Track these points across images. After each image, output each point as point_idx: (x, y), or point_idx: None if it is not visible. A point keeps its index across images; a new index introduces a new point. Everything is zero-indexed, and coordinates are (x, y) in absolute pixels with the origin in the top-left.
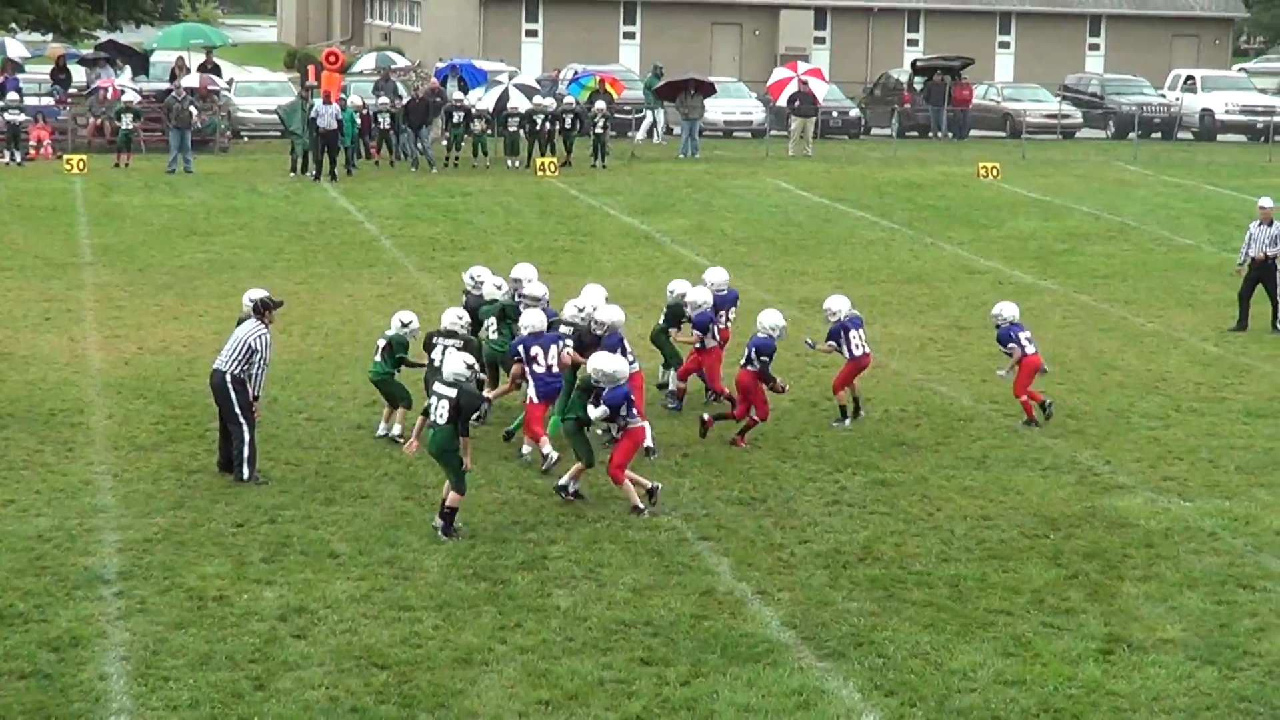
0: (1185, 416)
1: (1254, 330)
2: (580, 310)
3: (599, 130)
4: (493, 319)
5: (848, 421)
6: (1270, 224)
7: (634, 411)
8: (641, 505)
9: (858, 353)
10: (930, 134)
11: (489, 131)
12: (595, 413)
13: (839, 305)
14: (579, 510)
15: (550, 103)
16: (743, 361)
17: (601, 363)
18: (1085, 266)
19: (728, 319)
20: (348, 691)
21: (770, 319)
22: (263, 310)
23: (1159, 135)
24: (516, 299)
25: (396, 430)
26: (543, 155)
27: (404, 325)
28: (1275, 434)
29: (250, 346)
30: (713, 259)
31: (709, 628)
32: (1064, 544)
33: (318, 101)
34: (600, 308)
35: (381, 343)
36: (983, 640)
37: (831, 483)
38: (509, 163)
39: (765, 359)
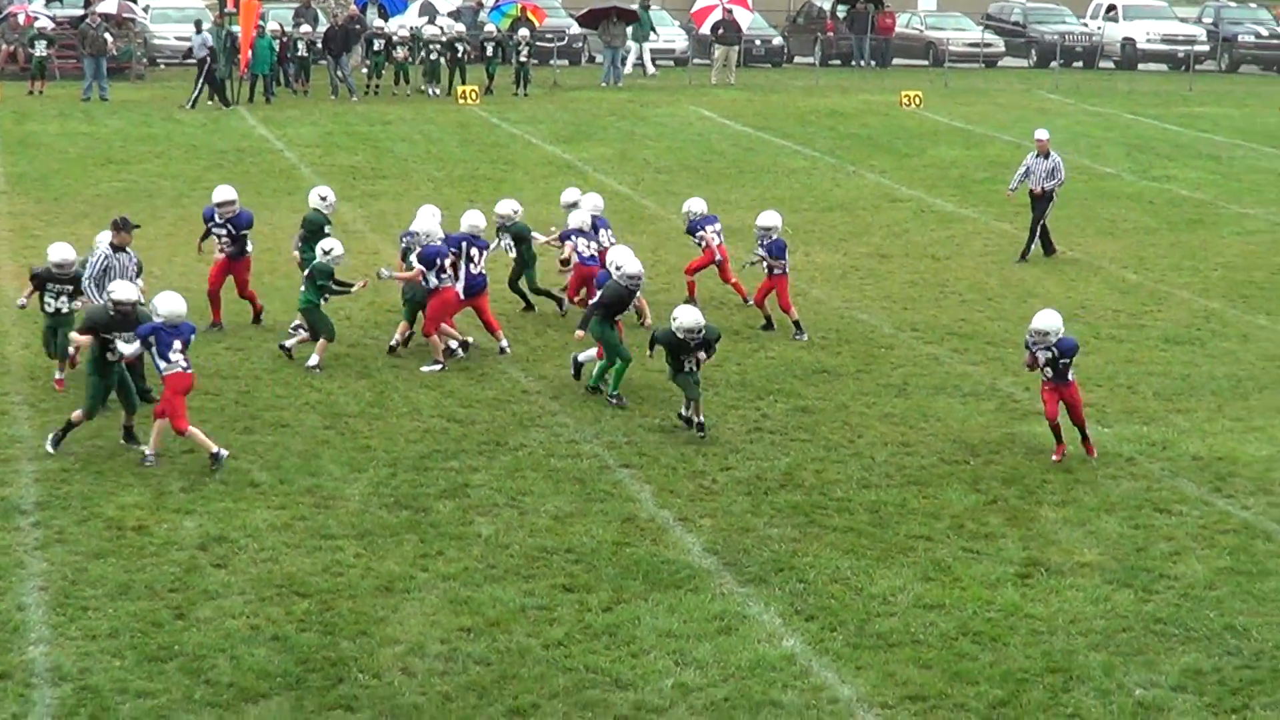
0: (1104, 343)
1: (1173, 258)
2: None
3: (522, 59)
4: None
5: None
6: (1047, 156)
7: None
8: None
9: (715, 242)
10: (853, 63)
11: (410, 59)
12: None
13: (696, 206)
14: (500, 438)
15: (460, 28)
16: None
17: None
18: (1006, 195)
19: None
20: (269, 620)
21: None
22: (113, 230)
23: (1080, 64)
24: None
25: (314, 360)
26: (464, 82)
27: (325, 253)
28: (1192, 360)
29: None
30: (635, 187)
31: (631, 554)
32: (983, 470)
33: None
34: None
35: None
36: (902, 565)
37: (753, 410)
38: (430, 91)
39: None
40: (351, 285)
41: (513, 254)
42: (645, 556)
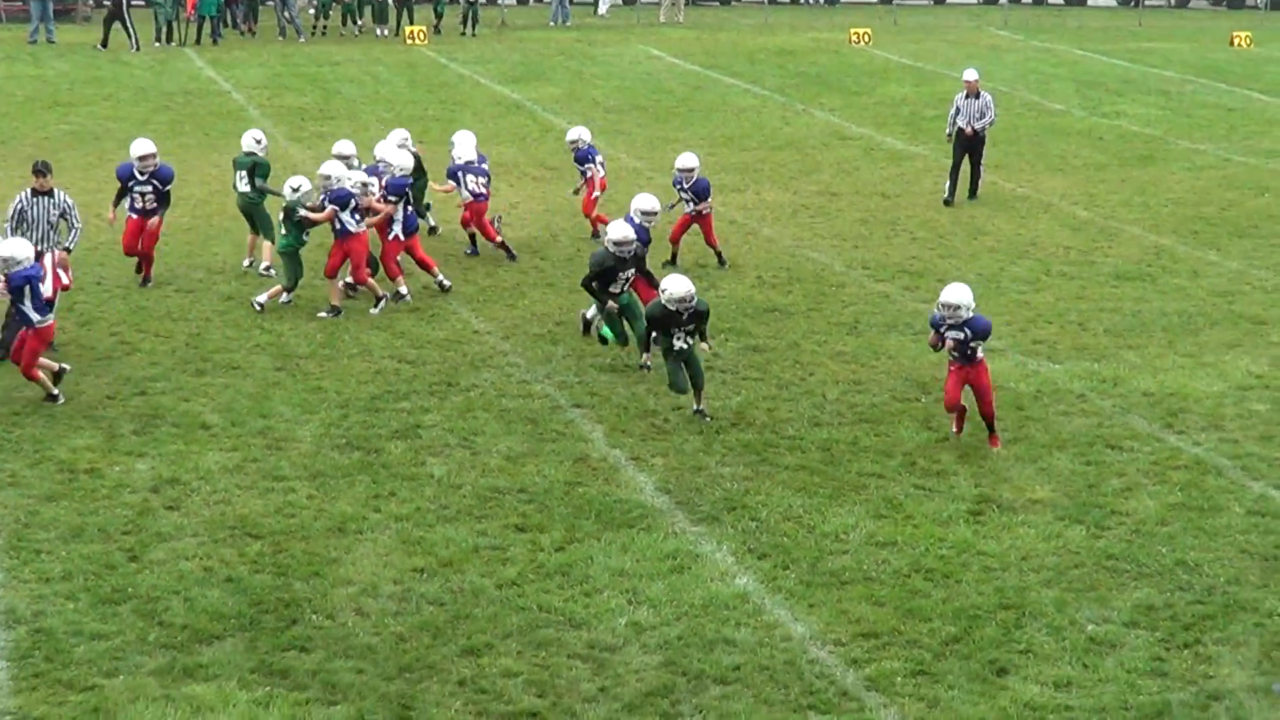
0: (1055, 280)
1: (1123, 194)
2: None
3: None
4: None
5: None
6: (977, 96)
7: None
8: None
9: (599, 174)
10: (802, 0)
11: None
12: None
13: (583, 135)
14: (451, 379)
15: None
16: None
17: None
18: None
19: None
20: (222, 561)
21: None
22: (33, 174)
23: (1030, 0)
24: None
25: (262, 298)
26: (411, 22)
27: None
28: (1143, 297)
29: None
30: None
31: (583, 494)
32: (935, 407)
33: None
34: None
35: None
36: (855, 503)
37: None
38: (378, 31)
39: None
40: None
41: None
42: (597, 496)
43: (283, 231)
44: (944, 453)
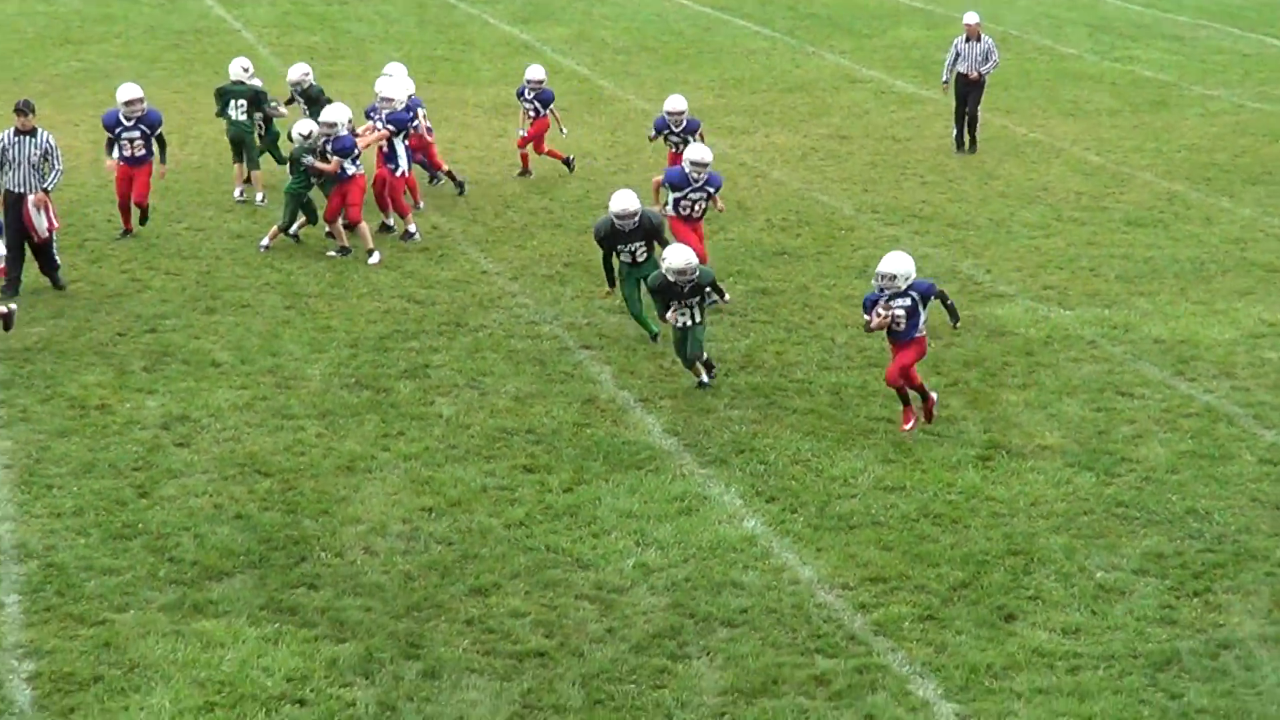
0: (1066, 225)
1: (1135, 139)
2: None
3: None
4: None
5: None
6: (979, 40)
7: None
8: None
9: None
10: None
11: None
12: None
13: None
14: (460, 319)
15: None
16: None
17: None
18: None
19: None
20: (232, 498)
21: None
22: (15, 114)
23: None
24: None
25: (265, 241)
26: None
27: (245, 70)
28: (1154, 243)
29: None
30: (593, 68)
31: (591, 435)
32: (944, 352)
33: None
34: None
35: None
36: (863, 447)
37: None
38: None
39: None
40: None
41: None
42: (605, 438)
43: (291, 175)
44: (953, 398)
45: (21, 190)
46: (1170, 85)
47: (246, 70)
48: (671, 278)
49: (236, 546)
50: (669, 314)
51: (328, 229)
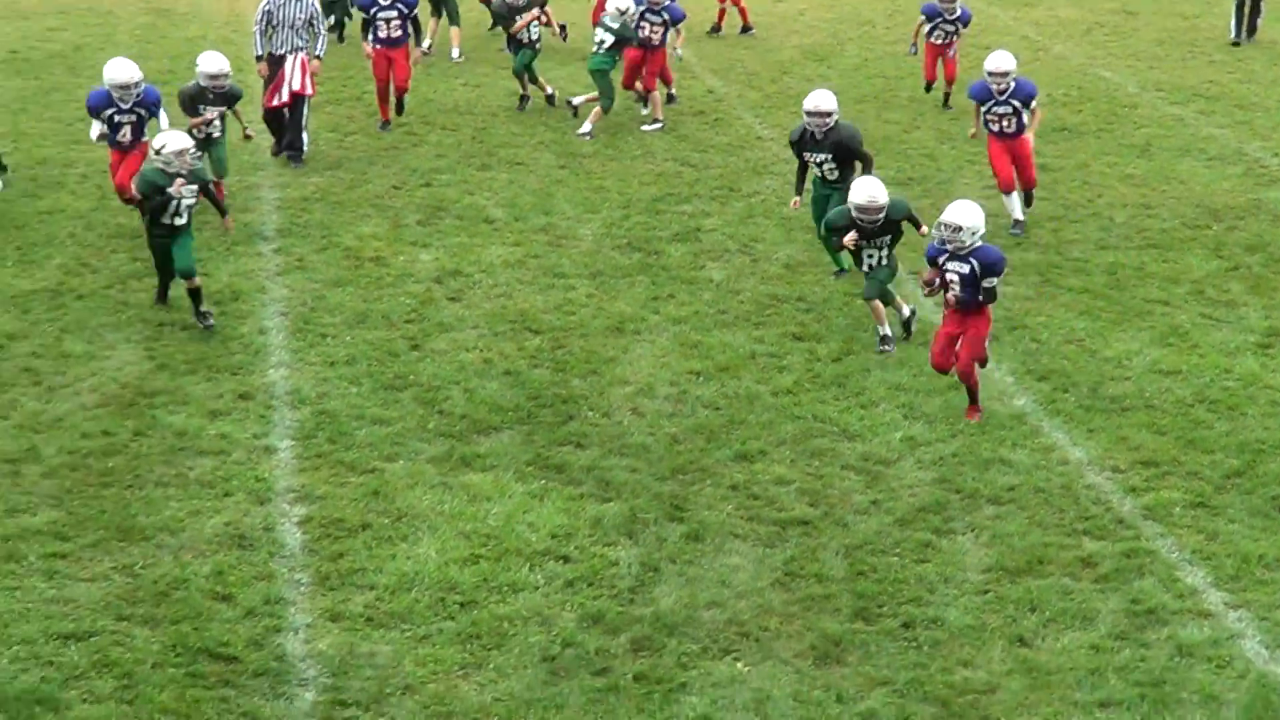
0: None
1: None
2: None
3: None
4: None
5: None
6: None
7: None
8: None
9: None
10: None
11: None
12: None
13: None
14: (733, 184)
15: None
16: None
17: None
18: None
19: None
20: (501, 354)
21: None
22: None
23: None
24: None
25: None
26: None
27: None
28: None
29: None
30: None
31: (861, 306)
32: (1226, 236)
33: None
34: None
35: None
36: (1139, 329)
37: (987, 167)
38: None
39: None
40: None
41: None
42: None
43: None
44: (1234, 282)
45: (283, 51)
46: None
47: None
48: (855, 214)
49: (505, 402)
50: (845, 238)
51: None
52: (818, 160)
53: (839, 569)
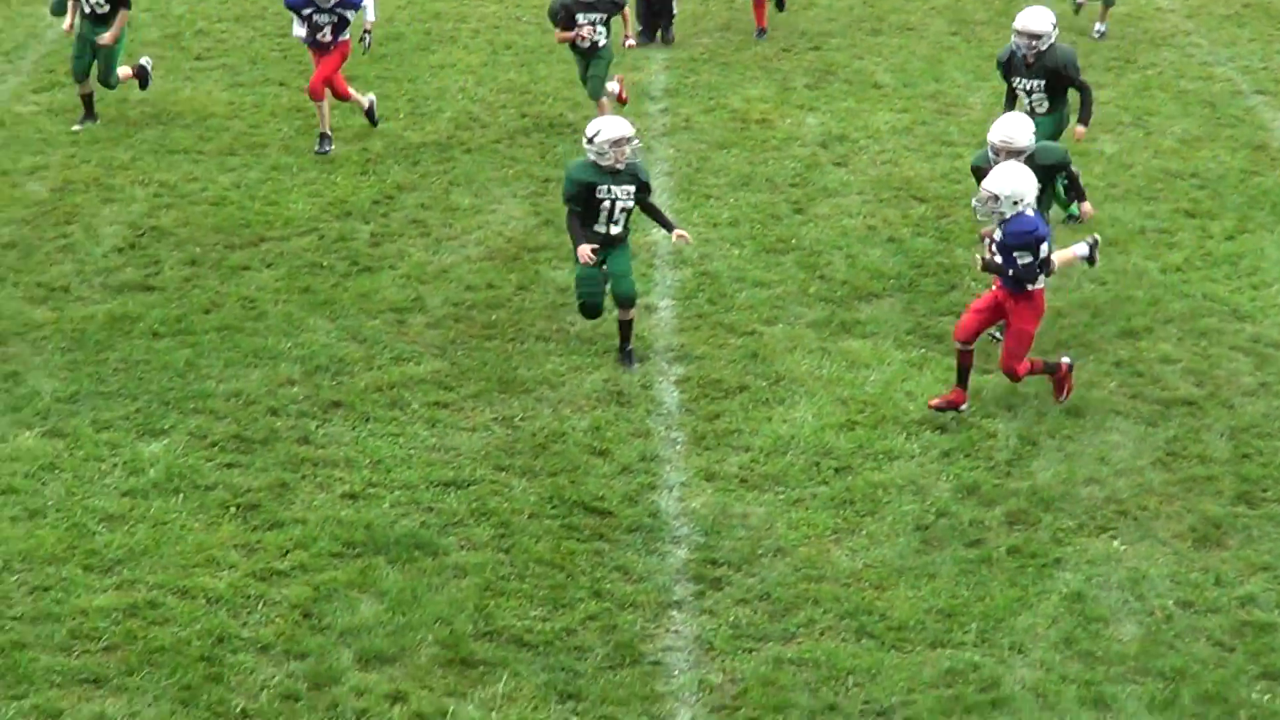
0: None
1: None
2: None
3: None
4: None
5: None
6: None
7: None
8: None
9: None
10: None
11: None
12: None
13: None
14: (1130, 56)
15: None
16: None
17: None
18: None
19: None
20: (885, 221)
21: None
22: None
23: None
24: None
25: None
26: None
27: None
28: None
29: None
30: None
31: (1259, 184)
32: None
33: None
34: None
35: None
36: None
37: None
38: None
39: None
40: None
41: None
42: (1274, 187)
43: None
44: None
45: None
46: None
47: None
48: (990, 157)
49: (887, 269)
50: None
51: None
52: (1026, 88)
53: (1223, 451)
